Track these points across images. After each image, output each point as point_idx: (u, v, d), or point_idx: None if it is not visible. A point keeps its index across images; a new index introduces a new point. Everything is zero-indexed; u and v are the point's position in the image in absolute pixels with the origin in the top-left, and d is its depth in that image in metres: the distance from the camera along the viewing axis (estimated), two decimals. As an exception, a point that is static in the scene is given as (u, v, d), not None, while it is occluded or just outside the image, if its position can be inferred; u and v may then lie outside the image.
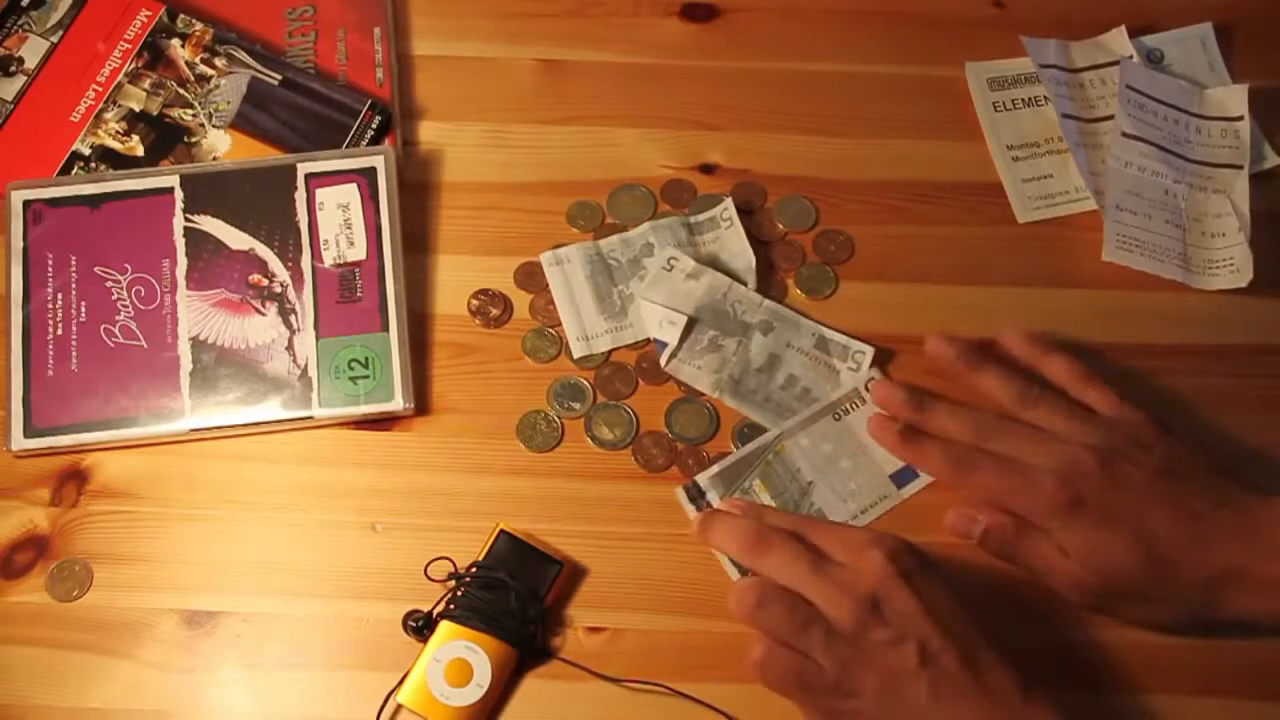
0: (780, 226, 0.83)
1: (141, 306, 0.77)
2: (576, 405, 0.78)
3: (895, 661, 0.62)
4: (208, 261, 0.78)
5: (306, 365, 0.76)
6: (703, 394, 0.78)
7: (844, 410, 0.76)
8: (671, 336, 0.78)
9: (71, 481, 0.75)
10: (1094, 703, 0.70)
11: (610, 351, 0.79)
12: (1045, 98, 0.88)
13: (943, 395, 0.75)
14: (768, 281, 0.81)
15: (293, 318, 0.77)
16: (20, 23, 0.85)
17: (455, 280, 0.81)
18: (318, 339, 0.77)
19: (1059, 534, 0.69)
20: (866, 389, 0.77)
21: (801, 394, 0.77)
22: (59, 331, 0.76)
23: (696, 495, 0.74)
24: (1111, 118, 0.86)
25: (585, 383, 0.78)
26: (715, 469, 0.75)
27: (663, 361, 0.78)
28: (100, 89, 0.84)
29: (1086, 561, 0.68)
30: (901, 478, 0.75)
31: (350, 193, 0.80)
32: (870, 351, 0.78)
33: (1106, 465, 0.69)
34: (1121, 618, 0.71)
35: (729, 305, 0.79)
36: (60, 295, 0.77)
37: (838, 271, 0.82)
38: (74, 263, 0.78)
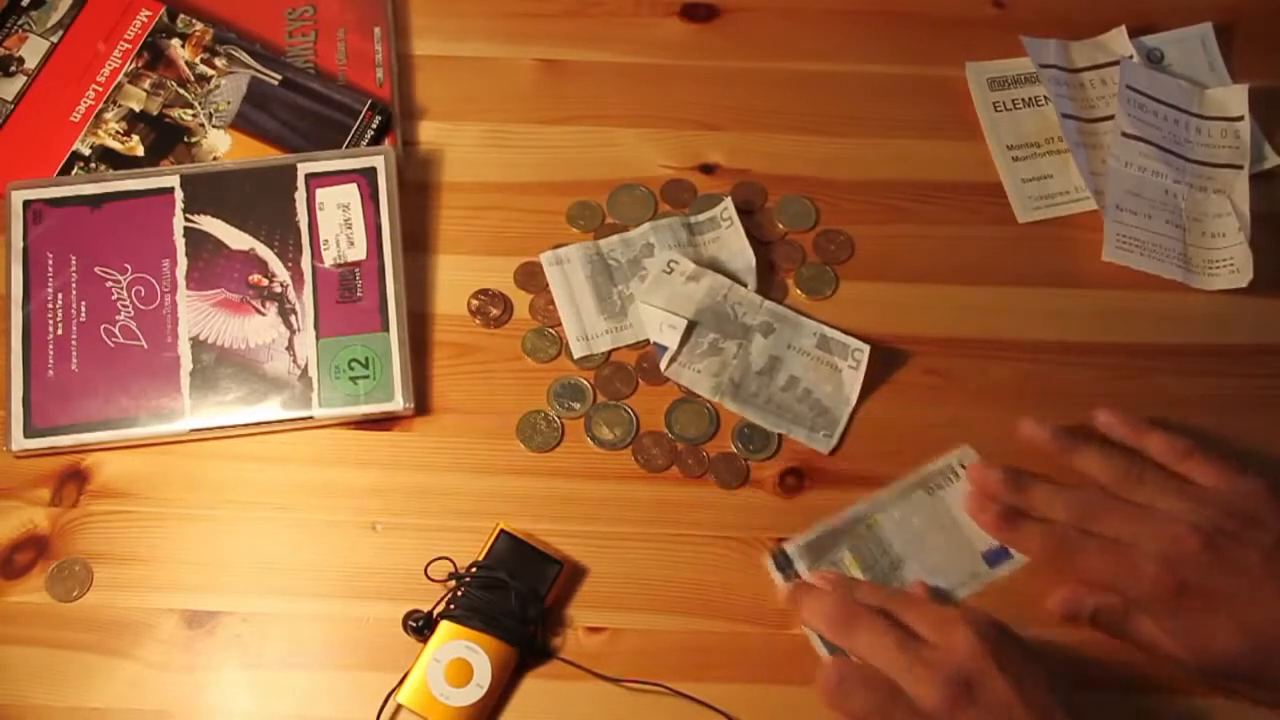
0: (780, 226, 0.83)
1: (141, 306, 0.77)
2: (576, 405, 0.78)
3: None
4: (208, 261, 0.78)
5: (306, 365, 0.76)
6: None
7: (937, 485, 0.75)
8: (671, 340, 0.78)
9: (71, 481, 0.75)
10: (1095, 702, 0.70)
11: (610, 351, 0.79)
12: (1045, 98, 0.88)
13: (1041, 475, 0.74)
14: (768, 282, 0.81)
15: (293, 318, 0.77)
16: (20, 23, 0.86)
17: (455, 280, 0.81)
18: (318, 339, 0.77)
19: (1163, 619, 0.67)
20: (961, 467, 0.75)
21: (803, 395, 0.77)
22: (59, 331, 0.76)
23: (784, 564, 0.73)
24: (1111, 118, 0.86)
25: (585, 383, 0.78)
26: (804, 539, 0.74)
27: (663, 366, 0.78)
28: (100, 89, 0.84)
29: (1191, 647, 0.67)
30: (994, 557, 0.73)
31: (350, 193, 0.80)
32: (867, 349, 0.78)
33: (1211, 546, 0.66)
34: (1238, 697, 0.69)
35: (729, 307, 0.79)
36: (60, 295, 0.77)
37: (838, 271, 0.82)
38: (74, 263, 0.78)
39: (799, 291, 0.81)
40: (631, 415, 0.77)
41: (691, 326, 0.79)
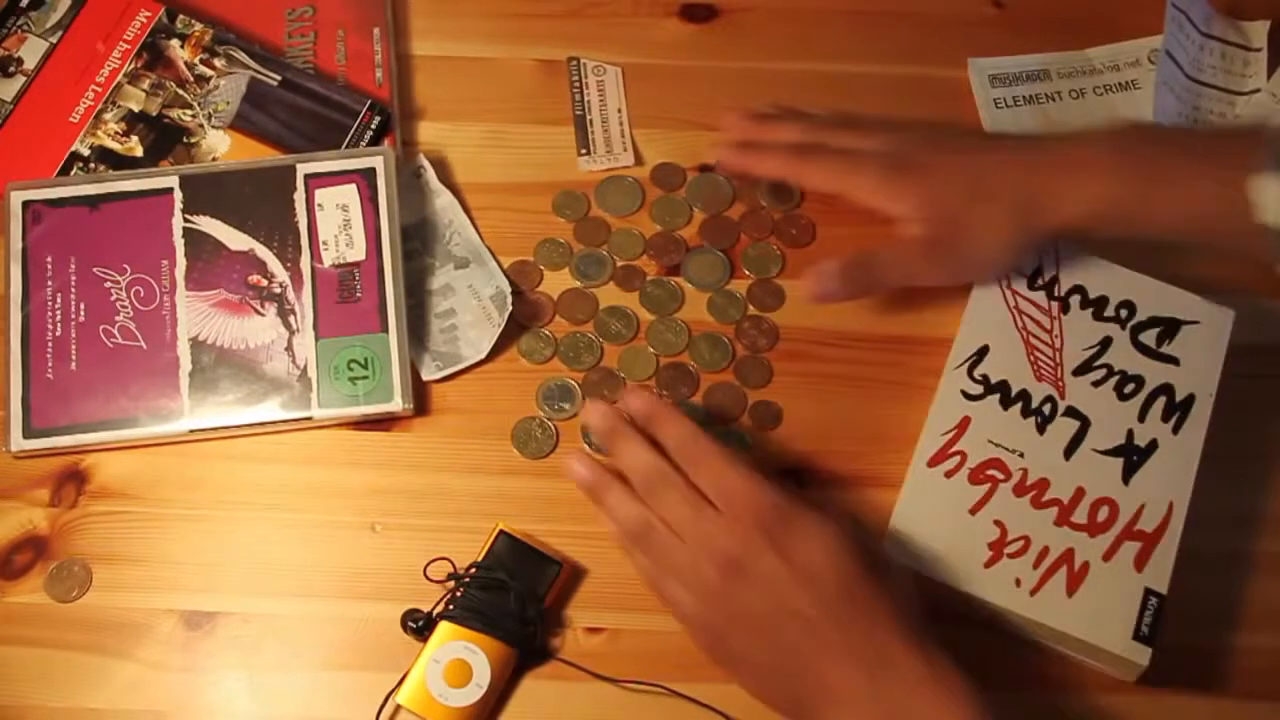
0: (763, 205, 0.85)
1: (141, 307, 0.77)
2: (567, 406, 0.78)
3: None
4: (207, 262, 0.78)
5: (306, 366, 0.76)
6: (691, 396, 0.78)
7: None
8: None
9: (71, 482, 0.75)
10: (1095, 702, 0.70)
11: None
12: (1046, 95, 0.87)
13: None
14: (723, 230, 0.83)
15: (292, 318, 0.77)
16: (19, 23, 0.86)
17: (454, 280, 0.81)
18: (317, 339, 0.77)
19: (896, 203, 0.76)
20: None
21: (449, 329, 0.79)
22: (58, 332, 0.76)
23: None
24: (1216, 88, 0.82)
25: (573, 384, 0.78)
26: None
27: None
28: (99, 89, 0.84)
29: (924, 209, 0.75)
30: None
31: (349, 193, 0.79)
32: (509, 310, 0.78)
33: (924, 144, 0.77)
34: (972, 268, 0.77)
35: (447, 231, 0.81)
36: (59, 296, 0.77)
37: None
38: (73, 263, 0.78)
39: (746, 272, 0.83)
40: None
41: (406, 229, 0.80)
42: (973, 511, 0.71)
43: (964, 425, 0.73)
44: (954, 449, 0.73)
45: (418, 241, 0.81)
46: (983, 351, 0.76)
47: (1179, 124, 0.83)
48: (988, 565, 0.70)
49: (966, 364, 0.75)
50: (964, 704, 0.61)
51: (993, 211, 0.74)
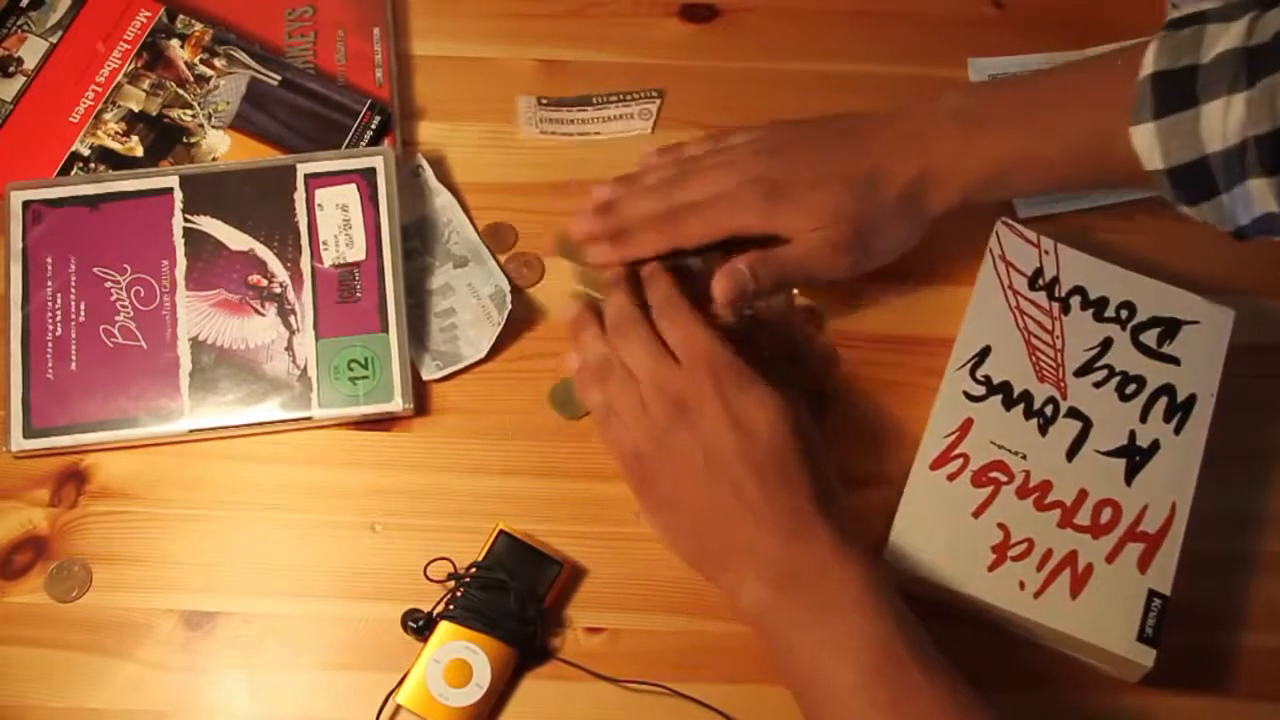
0: None
1: (141, 307, 0.77)
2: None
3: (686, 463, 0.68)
4: (207, 262, 0.78)
5: (306, 366, 0.76)
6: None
7: None
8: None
9: (71, 482, 0.75)
10: (1097, 703, 0.70)
11: None
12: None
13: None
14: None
15: (292, 318, 0.77)
16: (20, 23, 0.85)
17: (455, 280, 0.81)
18: (317, 339, 0.77)
19: (788, 222, 0.75)
20: None
21: (448, 328, 0.79)
22: (58, 332, 0.76)
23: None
24: None
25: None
26: None
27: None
28: (99, 89, 0.84)
29: (820, 219, 0.74)
30: None
31: (349, 193, 0.79)
32: (508, 310, 0.79)
33: (776, 152, 0.77)
34: (875, 258, 0.77)
35: (445, 229, 0.81)
36: (59, 296, 0.77)
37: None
38: (73, 263, 0.78)
39: None
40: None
41: (406, 228, 0.80)
42: (976, 515, 0.71)
43: (966, 427, 0.73)
44: (956, 451, 0.73)
45: (417, 241, 0.81)
46: (984, 352, 0.75)
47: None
48: (991, 569, 0.70)
49: (968, 365, 0.75)
50: (864, 576, 0.64)
51: (880, 211, 0.75)
